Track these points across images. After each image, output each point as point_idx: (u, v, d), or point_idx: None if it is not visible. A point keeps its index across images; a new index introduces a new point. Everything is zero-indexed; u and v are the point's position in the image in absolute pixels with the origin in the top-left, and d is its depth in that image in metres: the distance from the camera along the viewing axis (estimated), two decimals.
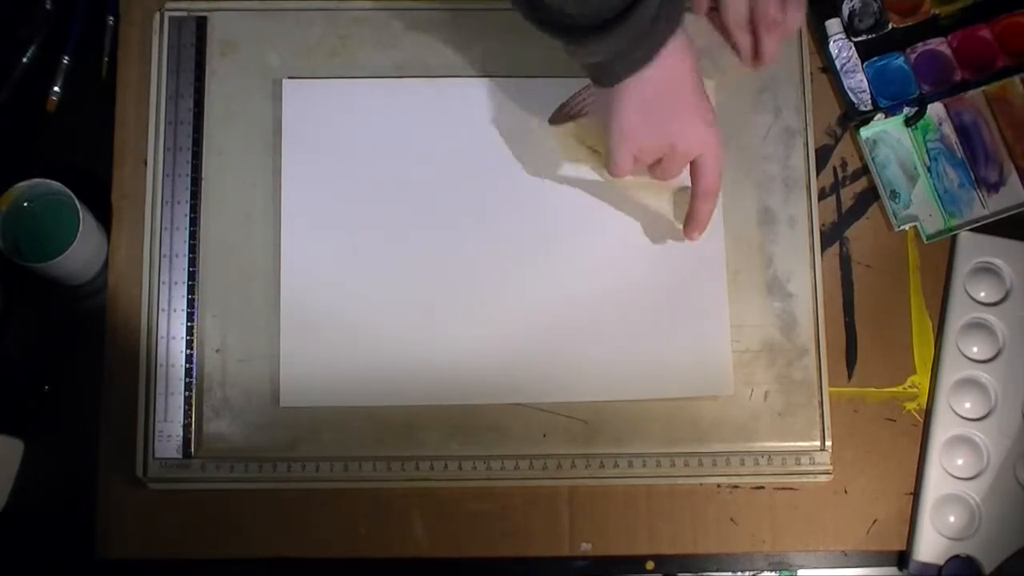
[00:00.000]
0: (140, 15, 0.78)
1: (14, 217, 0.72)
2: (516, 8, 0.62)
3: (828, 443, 0.74)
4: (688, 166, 0.69)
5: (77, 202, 0.71)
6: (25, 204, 0.73)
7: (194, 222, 0.75)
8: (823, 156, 0.79)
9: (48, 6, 0.79)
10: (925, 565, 0.74)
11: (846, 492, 0.75)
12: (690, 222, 0.72)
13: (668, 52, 0.62)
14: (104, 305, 0.75)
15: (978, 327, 0.77)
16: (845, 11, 0.80)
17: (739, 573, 0.75)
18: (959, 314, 0.77)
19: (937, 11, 0.80)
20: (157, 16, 0.77)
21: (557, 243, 0.76)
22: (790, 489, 0.75)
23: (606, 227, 0.76)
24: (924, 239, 0.78)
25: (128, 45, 0.78)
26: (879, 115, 0.78)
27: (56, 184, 0.72)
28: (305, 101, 0.77)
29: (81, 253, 0.72)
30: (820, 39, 0.80)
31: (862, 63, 0.79)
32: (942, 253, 0.78)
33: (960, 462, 0.75)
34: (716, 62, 0.77)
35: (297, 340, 0.74)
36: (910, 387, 0.77)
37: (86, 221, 0.71)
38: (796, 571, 0.75)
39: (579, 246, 0.76)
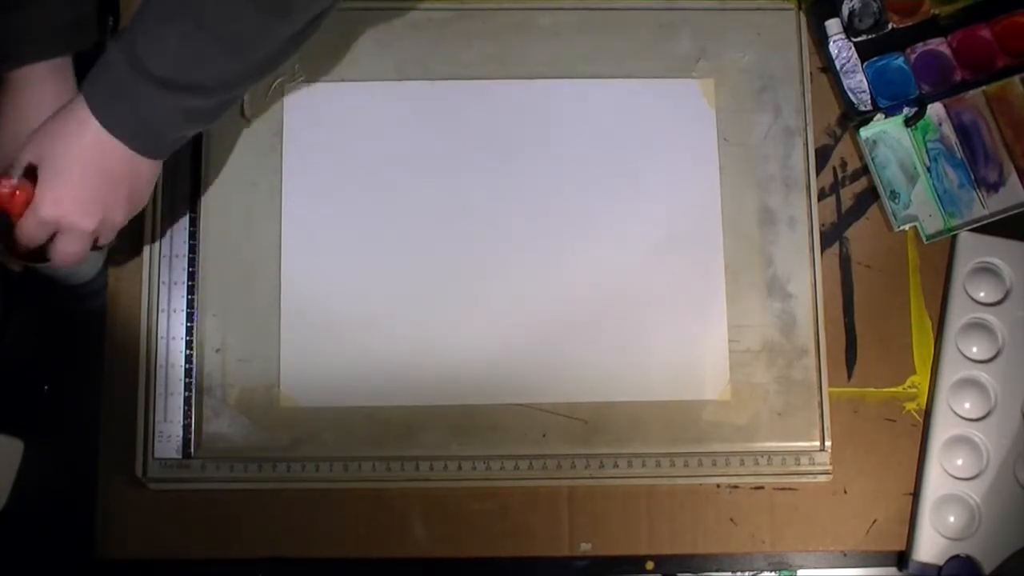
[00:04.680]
0: None
1: None
2: None
3: (828, 443, 0.74)
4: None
5: None
6: None
7: (194, 222, 0.75)
8: (823, 156, 0.79)
9: None
10: (925, 565, 0.74)
11: (846, 492, 0.75)
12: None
13: None
14: (104, 305, 0.75)
15: (978, 327, 0.77)
16: (845, 11, 0.80)
17: (739, 573, 0.75)
18: (959, 314, 0.77)
19: (937, 11, 0.80)
20: None
21: (556, 244, 0.76)
22: (790, 489, 0.75)
23: (605, 228, 0.76)
24: (924, 239, 0.78)
25: None
26: (879, 115, 0.78)
27: None
28: (306, 102, 0.77)
29: None
30: (820, 39, 0.80)
31: (862, 63, 0.79)
32: (942, 253, 0.78)
33: (960, 462, 0.75)
34: (716, 63, 0.77)
35: (297, 340, 0.74)
36: (910, 387, 0.77)
37: None
38: (796, 571, 0.75)
39: (579, 247, 0.76)
